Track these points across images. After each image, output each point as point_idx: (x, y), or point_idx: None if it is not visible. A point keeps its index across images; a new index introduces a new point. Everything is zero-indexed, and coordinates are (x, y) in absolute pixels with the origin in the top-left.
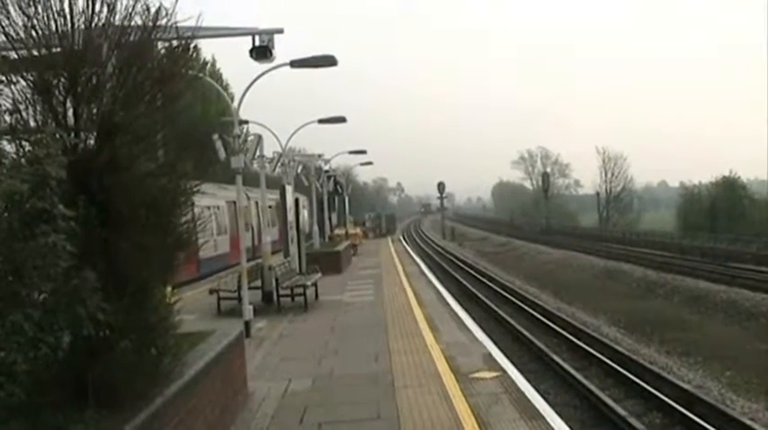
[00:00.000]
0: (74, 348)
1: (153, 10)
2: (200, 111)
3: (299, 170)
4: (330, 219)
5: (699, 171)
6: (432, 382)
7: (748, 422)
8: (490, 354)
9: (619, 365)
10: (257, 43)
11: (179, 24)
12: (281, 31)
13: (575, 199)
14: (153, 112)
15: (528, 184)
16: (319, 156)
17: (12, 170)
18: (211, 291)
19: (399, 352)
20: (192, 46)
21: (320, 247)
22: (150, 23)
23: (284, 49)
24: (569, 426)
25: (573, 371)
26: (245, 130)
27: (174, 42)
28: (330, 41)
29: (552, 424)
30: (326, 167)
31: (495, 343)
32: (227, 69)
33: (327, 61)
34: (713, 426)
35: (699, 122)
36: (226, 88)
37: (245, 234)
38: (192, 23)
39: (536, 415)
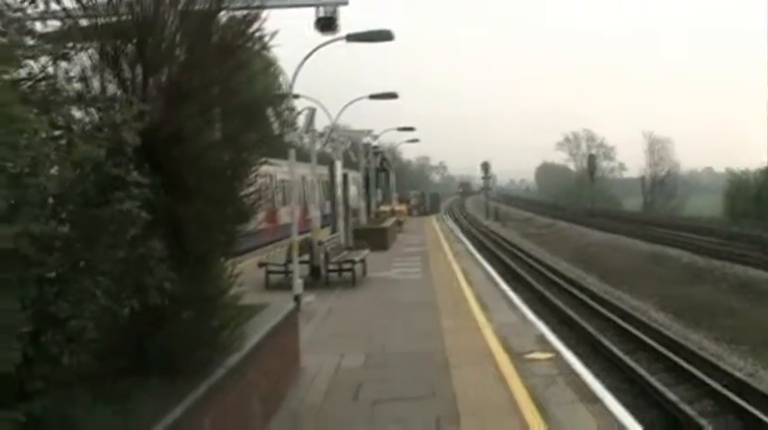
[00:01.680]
0: (136, 317)
1: None
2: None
3: (348, 146)
4: (376, 195)
5: (745, 157)
6: (486, 362)
7: None
8: (543, 336)
9: (668, 350)
10: (321, 15)
11: None
12: (345, 3)
13: (619, 182)
14: (218, 83)
15: (572, 166)
16: (368, 131)
17: (86, 136)
18: (260, 265)
19: (451, 330)
20: (257, 16)
21: (367, 224)
22: None
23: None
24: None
25: (621, 355)
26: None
27: (240, 13)
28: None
29: (611, 408)
30: (375, 143)
31: (546, 324)
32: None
33: (383, 36)
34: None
35: (745, 108)
36: (275, 62)
37: (295, 208)
38: None
39: (594, 398)
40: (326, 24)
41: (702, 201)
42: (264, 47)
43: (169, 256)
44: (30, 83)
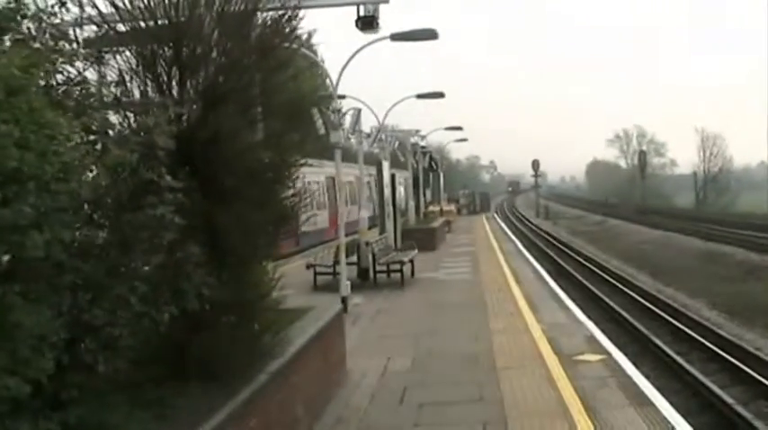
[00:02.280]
0: (175, 323)
1: None
2: (295, 87)
3: (395, 146)
4: (424, 195)
5: None
6: (534, 364)
7: None
8: (593, 336)
9: (722, 350)
10: (362, 13)
11: None
12: (386, 1)
13: (670, 179)
14: (256, 84)
15: (623, 163)
16: (416, 131)
17: (119, 140)
18: (308, 266)
19: (499, 331)
20: (295, 16)
21: (415, 224)
22: None
23: (384, 23)
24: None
25: (674, 355)
26: (341, 105)
27: (277, 12)
28: (431, 17)
29: (663, 411)
30: (422, 143)
31: (596, 324)
32: (321, 42)
33: (428, 35)
34: None
35: None
36: (320, 63)
37: (344, 209)
38: None
39: (645, 401)
40: (367, 23)
41: (756, 197)
42: (303, 45)
43: (207, 261)
44: (64, 87)
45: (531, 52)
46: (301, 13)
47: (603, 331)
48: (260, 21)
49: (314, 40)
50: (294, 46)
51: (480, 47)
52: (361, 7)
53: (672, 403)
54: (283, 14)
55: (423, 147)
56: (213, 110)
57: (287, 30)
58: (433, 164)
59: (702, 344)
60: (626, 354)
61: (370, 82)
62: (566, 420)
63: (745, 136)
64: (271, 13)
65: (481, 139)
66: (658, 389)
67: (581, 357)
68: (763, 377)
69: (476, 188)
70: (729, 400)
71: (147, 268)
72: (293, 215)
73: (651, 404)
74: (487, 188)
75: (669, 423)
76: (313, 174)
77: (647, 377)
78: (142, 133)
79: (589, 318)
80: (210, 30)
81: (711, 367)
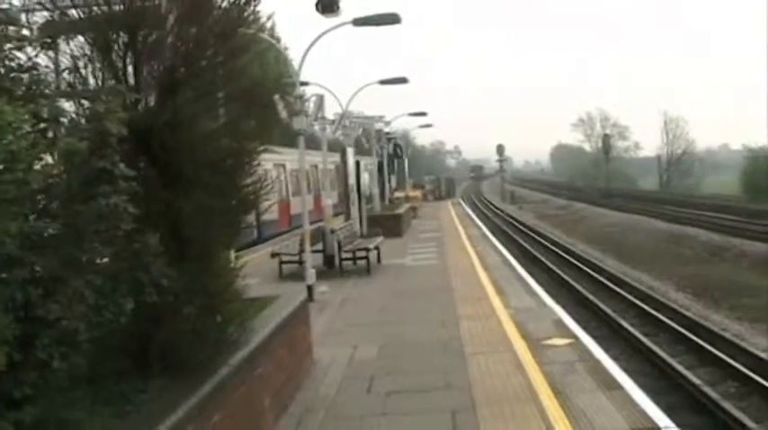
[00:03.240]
0: (136, 315)
1: None
2: (259, 74)
3: (360, 132)
4: (390, 181)
5: (762, 133)
6: (503, 349)
7: None
8: (561, 320)
9: (689, 331)
10: None
11: None
12: None
13: (634, 162)
14: (214, 69)
15: (587, 147)
16: (380, 118)
17: (70, 129)
18: (273, 255)
19: (467, 317)
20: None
21: (381, 210)
22: None
23: (347, 4)
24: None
25: (642, 337)
26: (305, 92)
27: None
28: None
29: (632, 395)
30: (387, 130)
31: (564, 308)
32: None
33: (391, 19)
34: None
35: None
36: (284, 51)
37: (307, 198)
38: None
39: (614, 385)
40: (327, 6)
41: (719, 179)
42: (263, 30)
43: (167, 251)
44: (12, 74)
45: (498, 38)
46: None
47: (571, 315)
48: (218, 4)
49: (277, 27)
50: (253, 31)
51: (446, 31)
52: None
53: (640, 385)
54: None
55: (387, 134)
56: (171, 96)
57: (245, 14)
58: (398, 150)
59: (669, 326)
60: (595, 338)
61: (334, 68)
62: (535, 405)
63: (706, 117)
64: None
65: (446, 125)
66: (627, 371)
67: (549, 341)
68: (730, 357)
69: (441, 174)
70: (697, 381)
71: (103, 260)
72: (254, 203)
73: (620, 387)
74: (453, 174)
75: (638, 405)
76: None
77: (616, 360)
78: (90, 121)
79: (557, 302)
80: (167, 14)
81: (678, 348)
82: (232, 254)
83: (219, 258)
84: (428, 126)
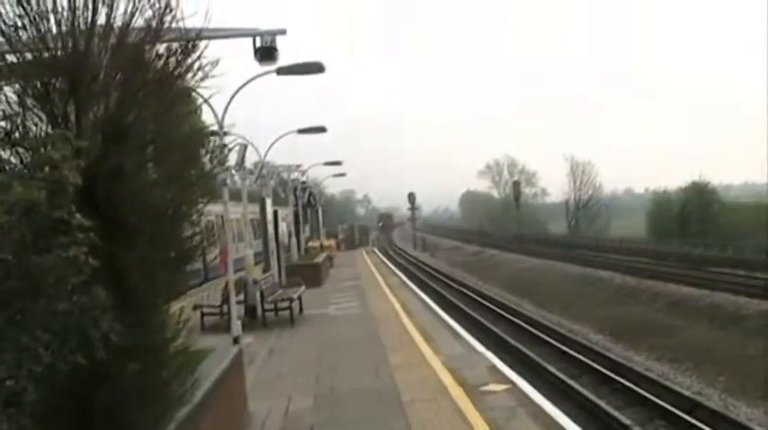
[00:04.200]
0: (78, 372)
1: (159, 7)
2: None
3: (273, 182)
4: (304, 231)
5: (662, 178)
6: (441, 397)
7: (758, 429)
8: (494, 366)
9: (612, 372)
10: (258, 44)
11: (180, 25)
12: (283, 32)
13: (542, 207)
14: (158, 117)
15: (495, 193)
16: (297, 166)
17: (21, 177)
18: (195, 307)
19: (399, 365)
20: (194, 47)
21: (298, 260)
22: (154, 23)
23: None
24: None
25: (568, 380)
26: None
27: (176, 44)
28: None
29: None
30: (303, 179)
31: (495, 354)
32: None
33: (315, 68)
34: None
35: (660, 132)
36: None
37: (231, 247)
38: (191, 23)
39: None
40: (266, 54)
41: (625, 222)
42: (206, 77)
43: (113, 305)
44: None
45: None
46: (202, 44)
47: (504, 360)
48: (159, 52)
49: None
50: (196, 78)
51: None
52: (257, 39)
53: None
54: (183, 46)
55: (303, 183)
56: (113, 145)
57: (187, 62)
58: (312, 199)
59: (592, 367)
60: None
61: (251, 117)
62: None
63: (610, 163)
64: (170, 44)
65: (357, 173)
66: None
67: (486, 388)
68: (656, 397)
69: (354, 223)
70: (627, 422)
71: (51, 315)
72: (195, 253)
73: None
74: (363, 222)
75: None
76: None
77: (556, 404)
78: (47, 168)
79: (487, 348)
80: (107, 62)
81: (604, 389)
82: (176, 306)
83: (162, 311)
84: (342, 175)
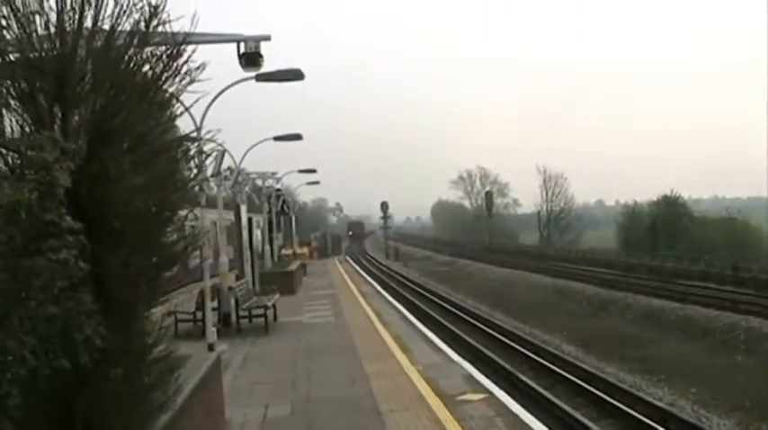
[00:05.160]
0: (61, 377)
1: (146, 11)
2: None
3: (246, 189)
4: (277, 238)
5: (633, 190)
6: (418, 406)
7: None
8: (471, 376)
9: (586, 383)
10: (242, 50)
11: (166, 29)
12: (268, 38)
13: (514, 218)
14: (144, 121)
15: (467, 204)
16: (272, 174)
17: (11, 178)
18: (169, 313)
19: (376, 375)
20: (181, 51)
21: (271, 268)
22: (142, 26)
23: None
24: None
25: (542, 390)
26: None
27: (163, 48)
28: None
29: None
30: (278, 186)
31: (471, 363)
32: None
33: (293, 75)
34: None
35: (634, 144)
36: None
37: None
38: (177, 27)
39: None
40: (251, 60)
41: (596, 233)
42: (192, 81)
43: (97, 310)
44: None
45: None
46: (189, 48)
47: (480, 370)
48: (146, 56)
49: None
50: (183, 82)
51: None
52: (242, 44)
53: None
54: (170, 50)
55: (278, 190)
56: (100, 148)
57: (173, 66)
58: (285, 207)
59: (566, 378)
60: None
61: (227, 123)
62: None
63: (581, 175)
64: (157, 48)
65: (329, 181)
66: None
67: (463, 397)
68: (629, 408)
69: (326, 231)
70: None
71: (38, 320)
72: (177, 260)
73: None
74: (335, 230)
75: None
76: None
77: (533, 414)
78: (36, 170)
79: (463, 358)
80: (94, 64)
81: (578, 401)
82: (158, 311)
83: (143, 316)
84: (316, 183)
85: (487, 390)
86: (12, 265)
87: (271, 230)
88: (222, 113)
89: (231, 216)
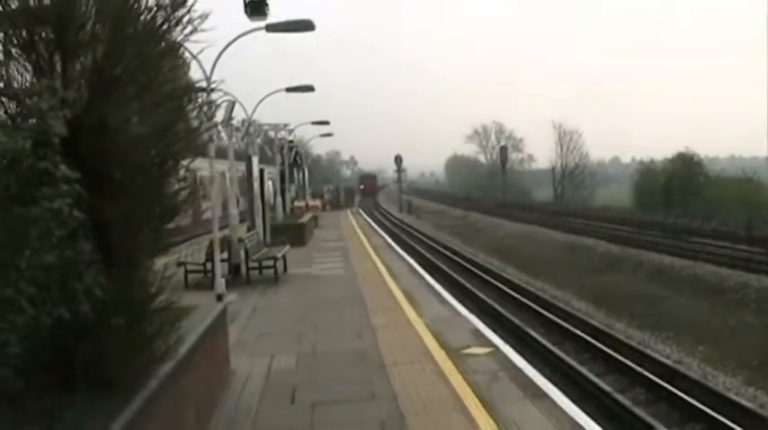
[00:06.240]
0: (61, 326)
1: None
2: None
3: (259, 140)
4: (290, 190)
5: (650, 148)
6: (423, 359)
7: (735, 398)
8: (478, 330)
9: (594, 339)
10: None
11: None
12: None
13: (528, 173)
14: (146, 69)
15: (482, 158)
16: (285, 125)
17: (7, 126)
18: (179, 264)
19: (382, 327)
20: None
21: (283, 220)
22: None
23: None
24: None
25: (550, 346)
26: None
27: None
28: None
29: (560, 404)
30: (290, 138)
31: (478, 317)
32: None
33: (304, 26)
34: (699, 402)
35: (651, 99)
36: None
37: (218, 205)
38: None
39: (540, 394)
40: (256, 8)
41: (611, 191)
42: (195, 31)
43: (97, 259)
44: None
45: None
46: None
47: (487, 324)
48: (148, 4)
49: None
50: (184, 33)
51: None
52: None
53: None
54: None
55: (290, 142)
56: (100, 97)
57: (176, 15)
58: (298, 159)
59: (575, 334)
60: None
61: (239, 74)
62: (464, 415)
63: (598, 130)
64: None
65: (343, 134)
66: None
67: (468, 351)
68: (637, 364)
69: (339, 183)
70: (607, 388)
71: (36, 268)
72: (179, 210)
73: (547, 397)
74: (349, 183)
75: (567, 414)
76: None
77: (538, 369)
78: (33, 119)
79: (471, 311)
80: (96, 10)
81: (585, 356)
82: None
83: (145, 267)
84: (329, 135)
85: (494, 345)
86: (7, 214)
87: (283, 182)
88: (240, 68)
89: (243, 167)
